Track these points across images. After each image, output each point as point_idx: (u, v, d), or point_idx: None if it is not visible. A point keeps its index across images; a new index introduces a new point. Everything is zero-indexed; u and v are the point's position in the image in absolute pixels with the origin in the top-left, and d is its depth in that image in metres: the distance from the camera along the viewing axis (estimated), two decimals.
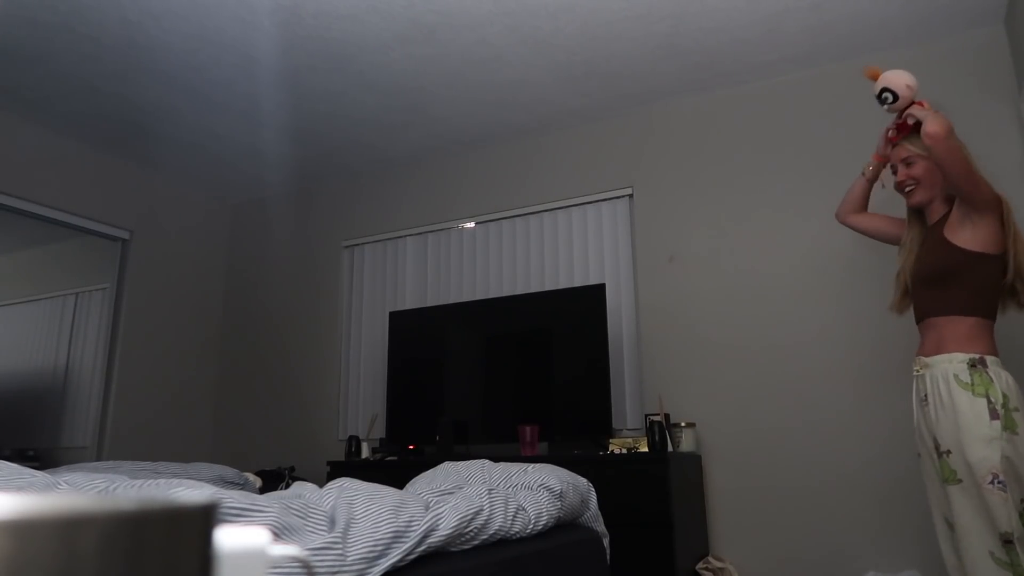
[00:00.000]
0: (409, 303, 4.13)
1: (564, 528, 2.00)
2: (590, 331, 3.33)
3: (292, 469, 3.86)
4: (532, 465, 2.09)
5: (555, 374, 3.37)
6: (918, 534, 2.79)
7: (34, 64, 3.24)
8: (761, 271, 3.29)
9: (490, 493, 1.71)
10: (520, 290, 3.82)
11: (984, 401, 1.91)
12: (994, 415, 1.89)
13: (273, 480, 3.70)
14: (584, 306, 3.37)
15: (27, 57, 3.19)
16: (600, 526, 2.20)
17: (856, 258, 3.11)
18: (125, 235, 4.27)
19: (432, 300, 4.06)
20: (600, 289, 3.36)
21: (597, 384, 3.25)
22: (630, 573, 2.69)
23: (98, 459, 3.93)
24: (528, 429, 3.17)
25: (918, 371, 2.11)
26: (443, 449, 3.30)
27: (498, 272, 3.93)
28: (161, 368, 4.34)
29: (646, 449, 2.93)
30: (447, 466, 2.10)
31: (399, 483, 2.25)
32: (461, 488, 1.81)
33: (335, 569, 1.18)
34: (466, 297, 3.96)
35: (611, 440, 3.04)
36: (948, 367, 2.00)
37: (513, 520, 1.71)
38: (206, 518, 0.38)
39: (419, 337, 3.75)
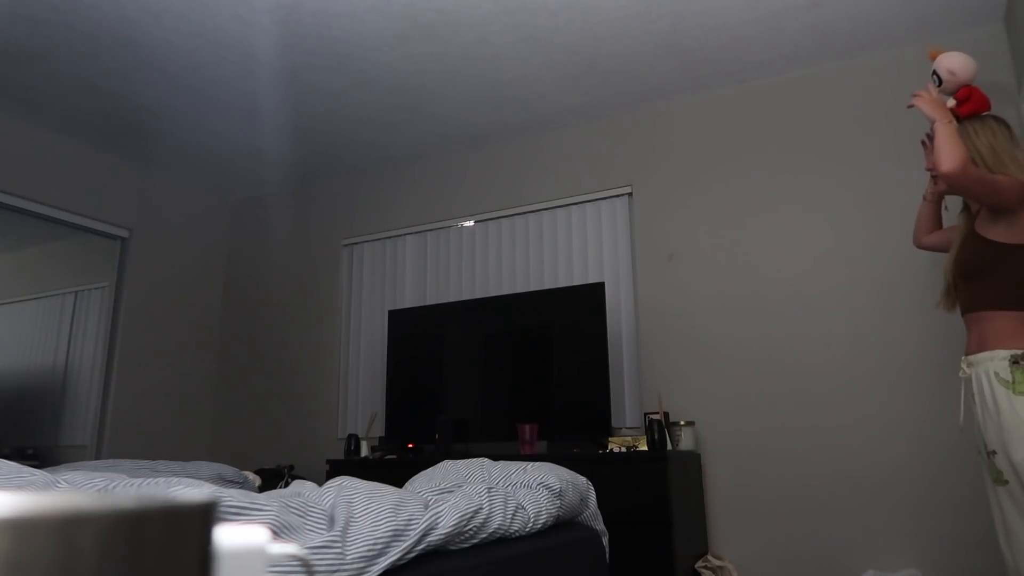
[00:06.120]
0: (408, 301, 4.13)
1: (563, 527, 2.00)
2: (589, 329, 3.33)
3: (291, 467, 3.86)
4: (531, 464, 2.09)
5: (554, 372, 3.37)
6: (918, 532, 2.79)
7: (34, 63, 3.24)
8: (760, 269, 3.29)
9: (489, 492, 1.71)
10: (519, 288, 3.82)
11: None
12: None
13: (272, 478, 3.71)
14: (583, 304, 3.37)
15: (27, 56, 3.18)
16: (599, 524, 2.20)
17: (855, 258, 3.11)
18: (124, 233, 4.27)
19: (432, 298, 4.06)
20: (599, 288, 3.36)
21: (596, 382, 3.25)
22: (629, 571, 2.69)
23: (97, 457, 3.93)
24: (527, 427, 3.17)
25: (964, 372, 2.07)
26: (442, 447, 3.30)
27: (497, 270, 3.93)
28: (160, 366, 4.34)
29: (645, 448, 2.94)
30: (446, 464, 2.10)
31: (398, 481, 2.25)
32: (460, 487, 1.81)
33: (334, 567, 1.18)
34: (465, 295, 3.96)
35: (610, 439, 3.05)
36: (990, 364, 1.96)
37: (512, 519, 1.71)
38: (205, 516, 0.38)
39: (419, 335, 3.75)
